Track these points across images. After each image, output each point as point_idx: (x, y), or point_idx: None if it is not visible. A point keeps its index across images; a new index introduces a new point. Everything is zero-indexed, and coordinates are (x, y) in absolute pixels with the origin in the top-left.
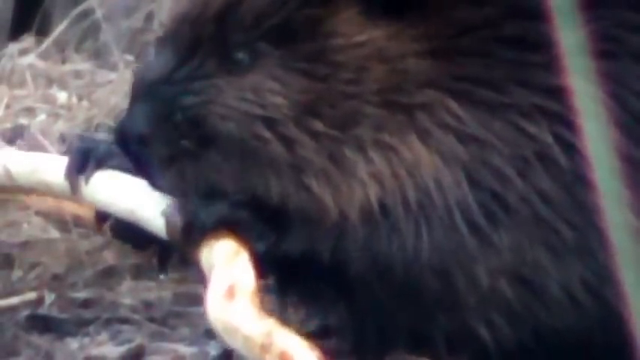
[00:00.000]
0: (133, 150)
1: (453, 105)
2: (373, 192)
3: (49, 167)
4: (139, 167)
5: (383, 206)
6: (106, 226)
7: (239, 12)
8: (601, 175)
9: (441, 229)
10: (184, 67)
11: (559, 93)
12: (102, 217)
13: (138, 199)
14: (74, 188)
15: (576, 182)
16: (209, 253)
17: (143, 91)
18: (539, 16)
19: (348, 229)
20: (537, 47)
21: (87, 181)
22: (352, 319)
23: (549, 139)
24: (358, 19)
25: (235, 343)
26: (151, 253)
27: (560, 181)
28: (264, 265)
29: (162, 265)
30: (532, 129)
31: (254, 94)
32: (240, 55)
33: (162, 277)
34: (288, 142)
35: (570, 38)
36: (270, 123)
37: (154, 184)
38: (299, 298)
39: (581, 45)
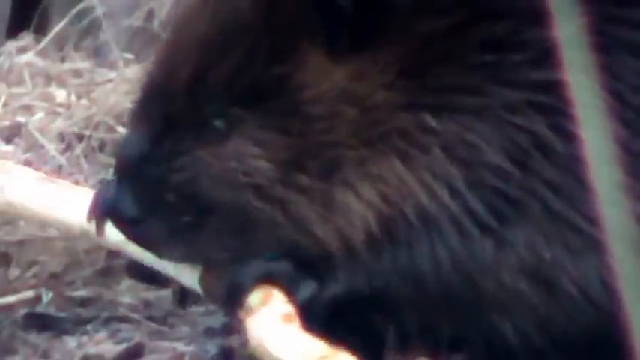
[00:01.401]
0: (129, 230)
1: (429, 120)
2: (373, 220)
3: (62, 201)
4: (142, 245)
5: (387, 230)
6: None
7: (207, 81)
8: (598, 169)
9: (454, 236)
10: (163, 144)
11: (547, 86)
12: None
13: None
14: (99, 231)
15: (582, 170)
16: (255, 322)
17: (127, 170)
18: (511, 16)
19: (364, 259)
20: (515, 47)
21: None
22: (401, 340)
23: (544, 130)
24: (324, 64)
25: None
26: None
27: (566, 169)
28: (308, 315)
29: (182, 302)
30: (524, 122)
31: (237, 162)
32: (217, 123)
33: (192, 327)
34: (280, 205)
35: (567, 30)
36: (258, 191)
37: (161, 256)
38: (348, 339)
39: (577, 37)
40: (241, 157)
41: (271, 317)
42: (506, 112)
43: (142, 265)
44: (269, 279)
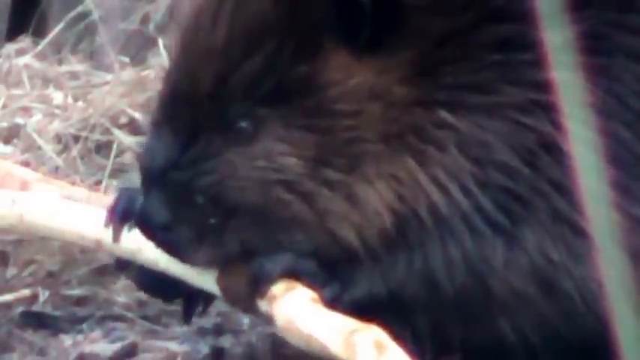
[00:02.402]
0: (159, 238)
1: (445, 116)
2: (388, 218)
3: (68, 213)
4: (169, 252)
5: (401, 230)
6: (128, 275)
7: (231, 83)
8: (585, 174)
9: (467, 235)
10: (191, 149)
11: (552, 86)
12: (122, 264)
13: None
14: (116, 237)
15: None
16: (282, 305)
17: (155, 179)
18: (519, 17)
19: (382, 258)
20: (522, 47)
21: (130, 229)
22: (415, 343)
23: (550, 129)
24: (347, 62)
25: (318, 333)
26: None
27: (571, 169)
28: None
29: (188, 316)
30: (531, 121)
31: (266, 161)
32: (243, 125)
33: (185, 327)
34: (308, 199)
35: (557, 35)
36: (288, 185)
37: (188, 262)
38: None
39: (567, 42)
40: (269, 156)
41: (300, 299)
42: (514, 111)
43: (151, 277)
44: (294, 274)
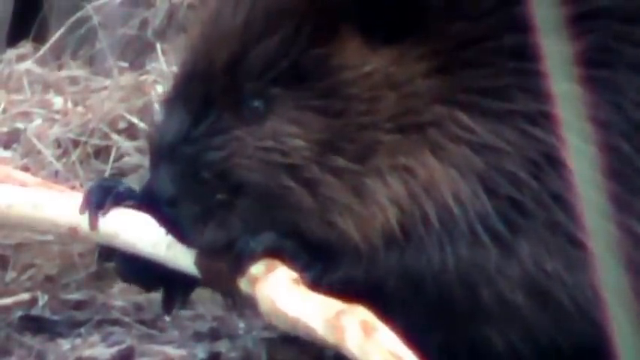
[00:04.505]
0: (164, 212)
1: (463, 117)
2: (393, 215)
3: (52, 204)
4: (172, 229)
5: (404, 227)
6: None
7: (247, 62)
8: (583, 187)
9: (464, 241)
10: (202, 124)
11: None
12: (105, 254)
13: (160, 237)
14: (92, 224)
15: None
16: (264, 287)
17: (164, 154)
18: (534, 27)
19: (375, 253)
20: (537, 57)
21: (104, 215)
22: None
23: (554, 142)
24: (363, 49)
25: (304, 313)
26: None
27: (571, 182)
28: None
29: (168, 306)
30: (539, 133)
31: (274, 141)
32: (255, 104)
33: (167, 317)
34: (311, 186)
35: (555, 46)
36: (293, 171)
37: (190, 244)
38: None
39: (568, 53)
40: (278, 136)
41: (281, 280)
42: (524, 120)
43: (132, 267)
44: (277, 253)
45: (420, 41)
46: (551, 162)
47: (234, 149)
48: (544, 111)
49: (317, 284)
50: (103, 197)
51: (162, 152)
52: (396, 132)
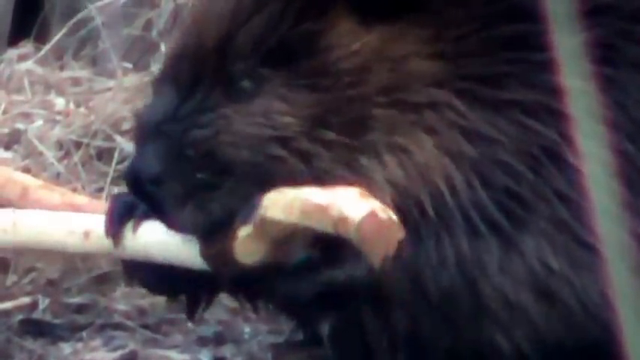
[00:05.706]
0: (147, 192)
1: (458, 103)
2: (389, 196)
3: (58, 225)
4: (154, 209)
5: (399, 212)
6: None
7: (236, 41)
8: (595, 189)
9: (463, 234)
10: (189, 103)
11: (562, 92)
12: (132, 270)
13: (178, 242)
14: (117, 240)
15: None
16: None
17: (150, 132)
18: (536, 17)
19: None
20: (537, 47)
21: (135, 231)
22: (388, 342)
23: (556, 137)
24: (353, 29)
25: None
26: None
27: (575, 180)
28: (300, 284)
29: (191, 313)
30: (537, 126)
31: (263, 118)
32: (244, 83)
33: (189, 324)
34: (304, 156)
35: (567, 41)
36: (283, 141)
37: (171, 225)
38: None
39: (577, 49)
40: (267, 113)
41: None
42: (520, 112)
43: (159, 277)
44: None
45: (417, 22)
46: (551, 157)
47: (221, 127)
48: (545, 104)
49: (310, 278)
50: (128, 213)
51: (148, 130)
52: (390, 107)
